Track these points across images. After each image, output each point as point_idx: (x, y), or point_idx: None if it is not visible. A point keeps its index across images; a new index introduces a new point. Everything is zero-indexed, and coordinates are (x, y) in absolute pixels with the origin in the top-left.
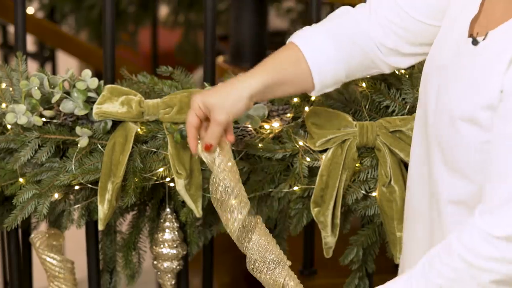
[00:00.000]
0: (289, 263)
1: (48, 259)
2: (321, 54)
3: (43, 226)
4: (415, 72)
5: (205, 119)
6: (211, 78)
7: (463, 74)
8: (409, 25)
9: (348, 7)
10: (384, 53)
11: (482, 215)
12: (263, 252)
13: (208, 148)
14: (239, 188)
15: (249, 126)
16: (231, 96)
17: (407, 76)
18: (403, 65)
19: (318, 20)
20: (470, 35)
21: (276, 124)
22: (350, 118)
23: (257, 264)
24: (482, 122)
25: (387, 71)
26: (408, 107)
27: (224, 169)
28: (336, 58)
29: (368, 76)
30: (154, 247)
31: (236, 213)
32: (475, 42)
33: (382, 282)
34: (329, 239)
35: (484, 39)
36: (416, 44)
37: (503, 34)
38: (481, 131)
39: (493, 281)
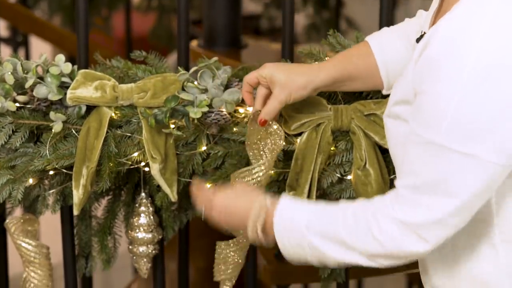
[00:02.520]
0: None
1: (23, 244)
2: (389, 49)
3: (18, 212)
4: None
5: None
6: (185, 63)
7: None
8: None
9: (422, 11)
10: None
11: (391, 193)
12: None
13: (263, 123)
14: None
15: (224, 110)
16: (299, 82)
17: None
18: None
19: (291, 3)
20: (423, 33)
21: (250, 108)
22: (324, 102)
23: None
24: (398, 115)
25: None
26: None
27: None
28: (404, 55)
29: None
30: (129, 231)
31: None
32: (418, 41)
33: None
34: None
35: None
36: None
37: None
38: (401, 123)
39: (378, 254)
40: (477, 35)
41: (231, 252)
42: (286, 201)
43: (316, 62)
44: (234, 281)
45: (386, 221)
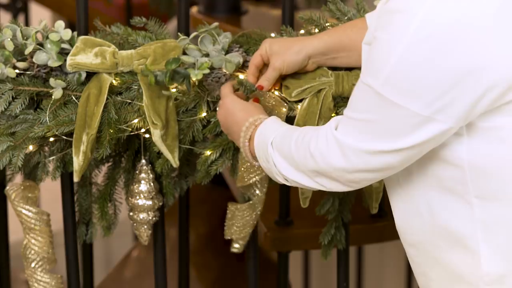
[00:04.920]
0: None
1: (23, 211)
2: None
3: (18, 178)
4: None
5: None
6: (185, 29)
7: None
8: None
9: None
10: None
11: (337, 117)
12: None
13: (260, 88)
14: None
15: (225, 70)
16: (292, 49)
17: None
18: None
19: None
20: None
21: None
22: (325, 68)
23: None
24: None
25: None
26: None
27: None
28: None
29: None
30: (130, 198)
31: None
32: None
33: (358, 232)
34: (305, 189)
35: None
36: None
37: None
38: None
39: (314, 170)
40: None
41: (242, 213)
42: (269, 120)
43: (316, 30)
44: (246, 241)
45: (322, 135)
